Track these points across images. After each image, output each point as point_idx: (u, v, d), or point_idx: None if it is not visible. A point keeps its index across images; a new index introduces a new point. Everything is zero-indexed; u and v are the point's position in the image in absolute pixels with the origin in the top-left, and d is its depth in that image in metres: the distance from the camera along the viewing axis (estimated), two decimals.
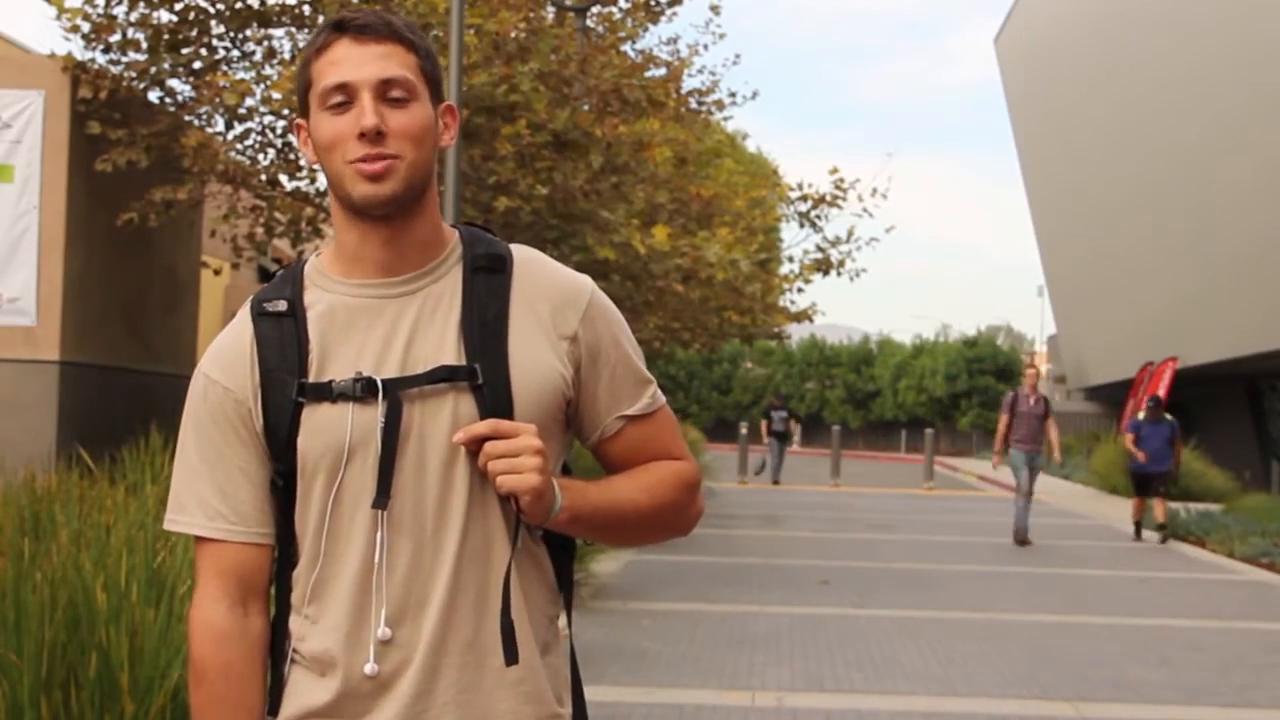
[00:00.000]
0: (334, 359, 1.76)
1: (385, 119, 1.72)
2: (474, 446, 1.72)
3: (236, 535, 1.79)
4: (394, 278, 1.79)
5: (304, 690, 1.77)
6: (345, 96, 1.73)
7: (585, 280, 1.87)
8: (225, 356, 1.81)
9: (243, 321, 1.82)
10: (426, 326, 1.77)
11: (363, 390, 1.73)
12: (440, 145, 1.82)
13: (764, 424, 26.22)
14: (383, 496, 1.72)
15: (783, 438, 25.90)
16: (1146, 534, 16.33)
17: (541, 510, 1.73)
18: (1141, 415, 16.73)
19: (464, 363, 1.75)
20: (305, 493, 1.76)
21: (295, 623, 1.79)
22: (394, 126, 1.73)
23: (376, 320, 1.77)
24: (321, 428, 1.74)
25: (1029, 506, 15.01)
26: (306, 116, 1.80)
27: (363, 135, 1.71)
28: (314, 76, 1.76)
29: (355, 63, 1.73)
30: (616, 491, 1.84)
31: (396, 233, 1.78)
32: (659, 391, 1.91)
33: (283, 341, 1.77)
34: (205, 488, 1.79)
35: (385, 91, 1.73)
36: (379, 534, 1.72)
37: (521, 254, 1.85)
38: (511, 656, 1.74)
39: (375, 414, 1.72)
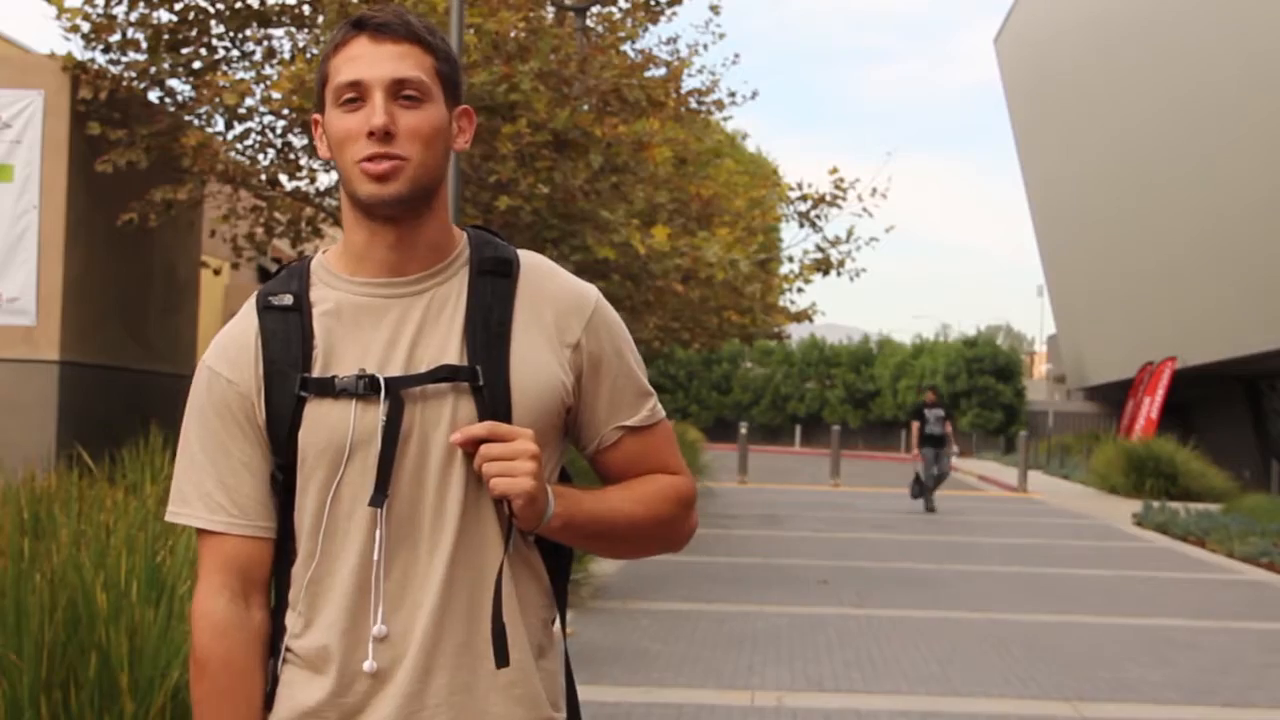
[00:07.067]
0: (339, 356, 1.76)
1: (395, 119, 1.72)
2: (471, 448, 1.72)
3: (238, 528, 1.79)
4: (401, 278, 1.79)
5: (297, 689, 1.77)
6: (358, 94, 1.73)
7: (591, 290, 1.88)
8: (229, 350, 1.81)
9: (247, 315, 1.82)
10: (431, 327, 1.77)
11: (366, 388, 1.73)
12: (454, 148, 1.82)
13: (914, 427, 19.78)
14: (380, 494, 1.72)
15: (939, 443, 19.62)
16: None
17: (534, 515, 1.72)
18: None
19: (466, 364, 1.75)
20: (304, 488, 1.76)
21: (290, 619, 1.79)
22: (403, 127, 1.73)
23: (382, 319, 1.77)
24: (324, 424, 1.74)
25: None
26: (323, 111, 1.80)
27: (371, 134, 1.71)
28: (330, 72, 1.77)
29: (370, 61, 1.73)
30: (610, 501, 1.84)
31: (404, 234, 1.78)
32: (659, 405, 1.92)
33: (287, 336, 1.77)
34: (207, 480, 1.79)
35: (398, 91, 1.73)
36: (378, 531, 1.73)
37: (529, 260, 1.86)
38: (502, 659, 1.74)
39: (377, 412, 1.72)
